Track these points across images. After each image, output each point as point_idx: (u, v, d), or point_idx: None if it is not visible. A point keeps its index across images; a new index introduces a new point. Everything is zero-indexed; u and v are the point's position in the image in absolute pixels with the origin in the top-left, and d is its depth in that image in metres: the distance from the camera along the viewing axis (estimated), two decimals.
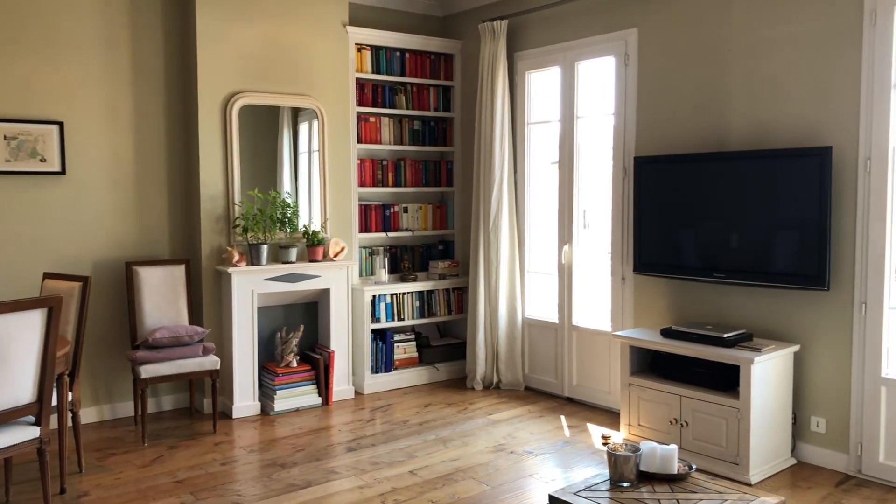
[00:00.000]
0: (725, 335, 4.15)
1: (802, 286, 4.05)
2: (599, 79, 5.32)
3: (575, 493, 2.82)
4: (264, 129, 5.45)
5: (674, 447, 2.97)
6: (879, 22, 3.81)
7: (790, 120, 4.19)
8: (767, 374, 4.02)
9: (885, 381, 3.91)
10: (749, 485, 3.89)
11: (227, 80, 5.16)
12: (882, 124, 3.84)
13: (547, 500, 2.88)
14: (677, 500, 2.74)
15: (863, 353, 3.98)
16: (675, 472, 2.93)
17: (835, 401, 4.10)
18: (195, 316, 5.17)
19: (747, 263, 4.27)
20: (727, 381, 4.12)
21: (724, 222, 4.38)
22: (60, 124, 4.78)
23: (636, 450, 2.93)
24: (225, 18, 5.11)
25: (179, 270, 5.06)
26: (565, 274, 5.52)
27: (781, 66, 4.22)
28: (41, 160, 4.73)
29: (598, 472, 3.03)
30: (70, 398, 3.97)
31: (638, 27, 4.93)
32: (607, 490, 2.84)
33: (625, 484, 2.87)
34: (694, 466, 3.01)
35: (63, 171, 4.80)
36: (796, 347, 4.19)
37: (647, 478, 2.93)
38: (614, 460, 2.89)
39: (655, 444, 3.01)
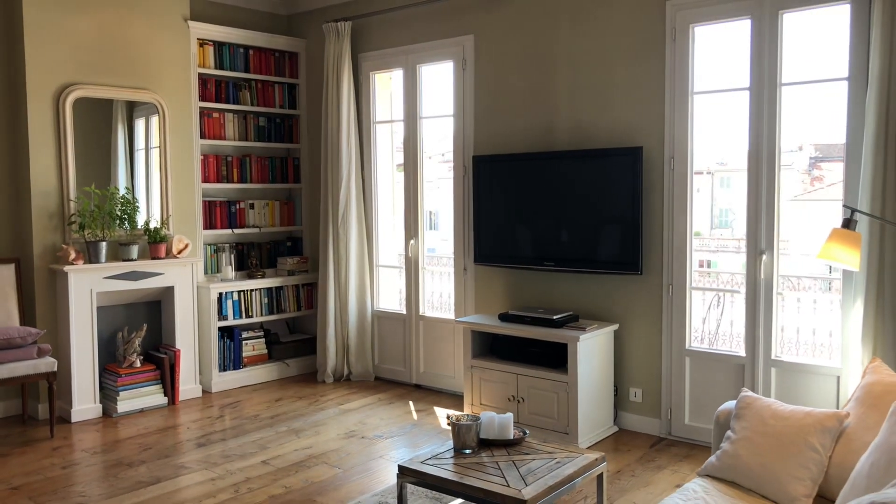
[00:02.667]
0: (555, 317, 4.56)
1: (620, 271, 4.54)
2: (441, 81, 5.62)
3: (422, 462, 3.04)
4: (96, 125, 5.25)
5: (509, 415, 3.27)
6: (678, 38, 4.37)
7: (607, 123, 4.68)
8: (591, 350, 4.47)
9: (689, 353, 4.48)
10: None
11: (60, 72, 4.95)
12: (683, 127, 4.40)
13: (396, 471, 3.08)
14: (513, 461, 3.04)
15: (671, 328, 4.53)
16: (511, 437, 3.23)
17: (649, 372, 4.63)
18: (27, 317, 4.91)
19: (573, 252, 4.71)
20: (557, 359, 4.53)
21: (552, 215, 4.80)
22: None
23: (476, 419, 3.21)
24: (56, 5, 4.89)
25: (8, 270, 4.79)
26: (412, 267, 5.77)
27: (599, 74, 4.70)
28: None
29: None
30: None
31: (474, 34, 5.27)
32: (451, 457, 3.09)
33: (467, 451, 3.13)
34: (527, 432, 3.32)
35: None
36: (616, 326, 4.68)
37: (486, 444, 3.21)
38: (457, 430, 3.15)
39: (494, 413, 3.30)
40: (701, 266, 5.43)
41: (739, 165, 4.34)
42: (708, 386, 4.41)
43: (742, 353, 4.29)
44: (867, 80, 3.70)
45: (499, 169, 5.04)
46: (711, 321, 5.84)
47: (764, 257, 4.16)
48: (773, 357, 4.18)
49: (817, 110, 4.28)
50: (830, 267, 4.00)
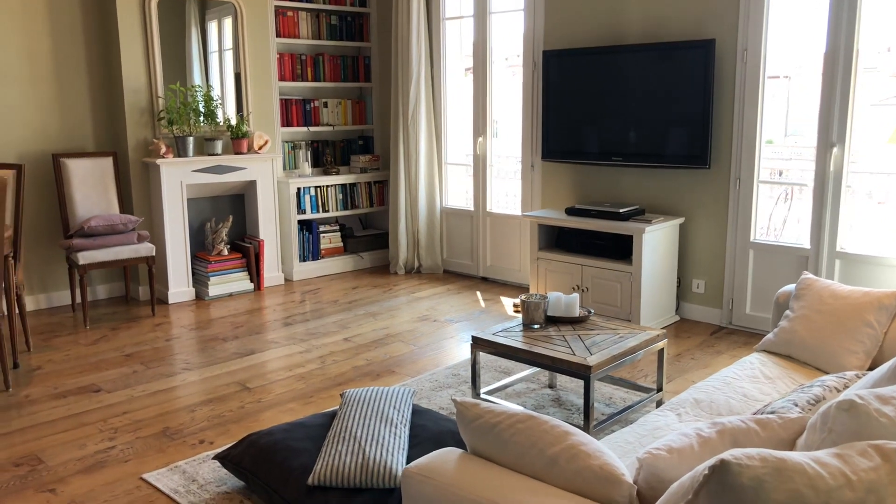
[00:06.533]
0: (621, 210, 4.69)
1: (687, 166, 4.60)
2: None
3: (494, 334, 3.30)
4: (171, 29, 5.40)
5: (576, 296, 3.48)
6: None
7: (680, 15, 4.64)
8: (656, 242, 4.60)
9: (753, 245, 4.57)
10: None
11: None
12: (757, 18, 4.34)
13: (468, 346, 3.34)
14: (578, 335, 3.27)
15: (736, 222, 4.61)
16: (577, 315, 3.45)
17: (712, 265, 4.75)
18: (125, 207, 5.32)
19: (641, 147, 4.78)
20: (622, 251, 4.69)
21: (621, 110, 4.85)
22: None
23: (544, 298, 3.43)
24: None
25: (107, 163, 5.16)
26: (480, 164, 5.93)
27: None
28: None
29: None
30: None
31: None
32: (521, 331, 3.33)
33: (535, 326, 3.37)
34: (592, 311, 3.53)
35: None
36: (681, 220, 4.78)
37: (553, 321, 3.44)
38: (526, 307, 3.38)
39: (560, 294, 3.51)
40: (770, 176, 5.41)
41: (817, 70, 4.25)
42: (770, 277, 4.51)
43: (807, 244, 4.36)
44: None
45: (568, 64, 5.07)
46: (777, 216, 5.87)
47: (835, 150, 4.16)
48: (837, 249, 4.24)
49: None
50: None
